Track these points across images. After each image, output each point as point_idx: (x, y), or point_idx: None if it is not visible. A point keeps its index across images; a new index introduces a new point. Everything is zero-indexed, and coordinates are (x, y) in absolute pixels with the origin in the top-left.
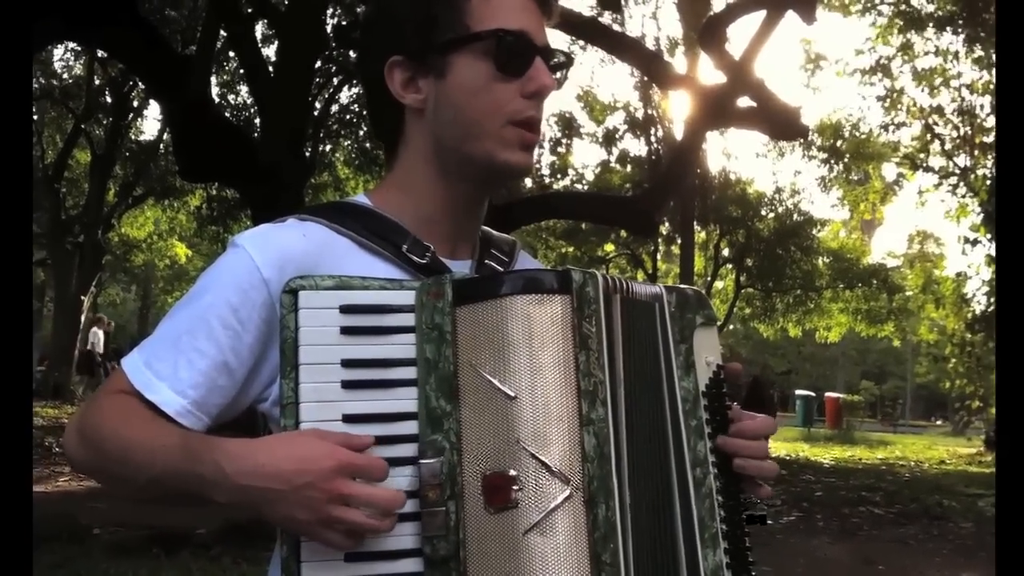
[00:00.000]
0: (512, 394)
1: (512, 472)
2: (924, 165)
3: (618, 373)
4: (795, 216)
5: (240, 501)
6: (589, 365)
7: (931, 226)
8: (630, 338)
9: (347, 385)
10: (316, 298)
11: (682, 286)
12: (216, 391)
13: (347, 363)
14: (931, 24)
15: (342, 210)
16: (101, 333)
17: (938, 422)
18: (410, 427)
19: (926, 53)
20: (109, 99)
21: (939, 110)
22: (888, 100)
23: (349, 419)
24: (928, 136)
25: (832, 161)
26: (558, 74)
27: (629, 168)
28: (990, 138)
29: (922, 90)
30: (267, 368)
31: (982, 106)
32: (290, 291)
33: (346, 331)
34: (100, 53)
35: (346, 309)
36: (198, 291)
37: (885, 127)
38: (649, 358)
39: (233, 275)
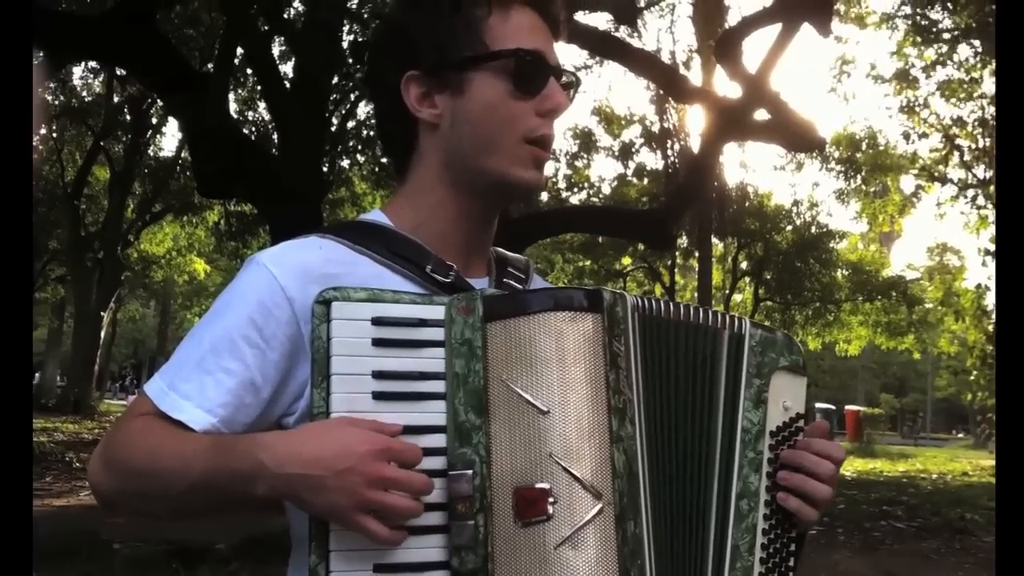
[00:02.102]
0: (544, 408)
1: (544, 486)
2: (943, 177)
3: (643, 392)
4: (813, 229)
5: (280, 491)
6: (619, 383)
7: (950, 238)
8: (677, 361)
9: (378, 396)
10: (349, 309)
11: (773, 327)
12: (243, 409)
13: (378, 375)
14: (946, 35)
15: (362, 230)
16: None
17: (959, 435)
18: (439, 440)
19: (946, 65)
20: (128, 116)
21: (959, 121)
22: (909, 109)
23: None
24: (948, 147)
25: (850, 173)
26: (569, 92)
27: (646, 181)
28: None
29: (944, 99)
30: (293, 385)
31: None
32: (323, 301)
33: (377, 343)
34: (119, 71)
35: (378, 321)
36: (219, 310)
37: (906, 136)
38: (702, 384)
39: (256, 293)
